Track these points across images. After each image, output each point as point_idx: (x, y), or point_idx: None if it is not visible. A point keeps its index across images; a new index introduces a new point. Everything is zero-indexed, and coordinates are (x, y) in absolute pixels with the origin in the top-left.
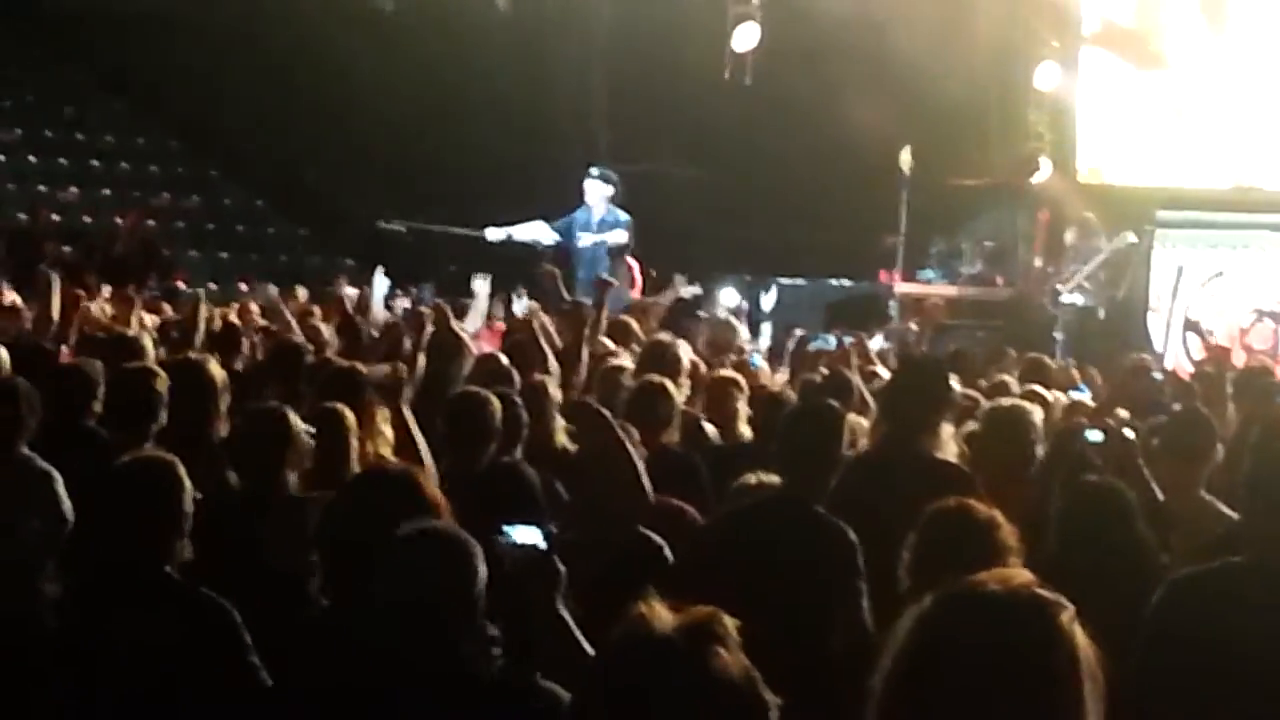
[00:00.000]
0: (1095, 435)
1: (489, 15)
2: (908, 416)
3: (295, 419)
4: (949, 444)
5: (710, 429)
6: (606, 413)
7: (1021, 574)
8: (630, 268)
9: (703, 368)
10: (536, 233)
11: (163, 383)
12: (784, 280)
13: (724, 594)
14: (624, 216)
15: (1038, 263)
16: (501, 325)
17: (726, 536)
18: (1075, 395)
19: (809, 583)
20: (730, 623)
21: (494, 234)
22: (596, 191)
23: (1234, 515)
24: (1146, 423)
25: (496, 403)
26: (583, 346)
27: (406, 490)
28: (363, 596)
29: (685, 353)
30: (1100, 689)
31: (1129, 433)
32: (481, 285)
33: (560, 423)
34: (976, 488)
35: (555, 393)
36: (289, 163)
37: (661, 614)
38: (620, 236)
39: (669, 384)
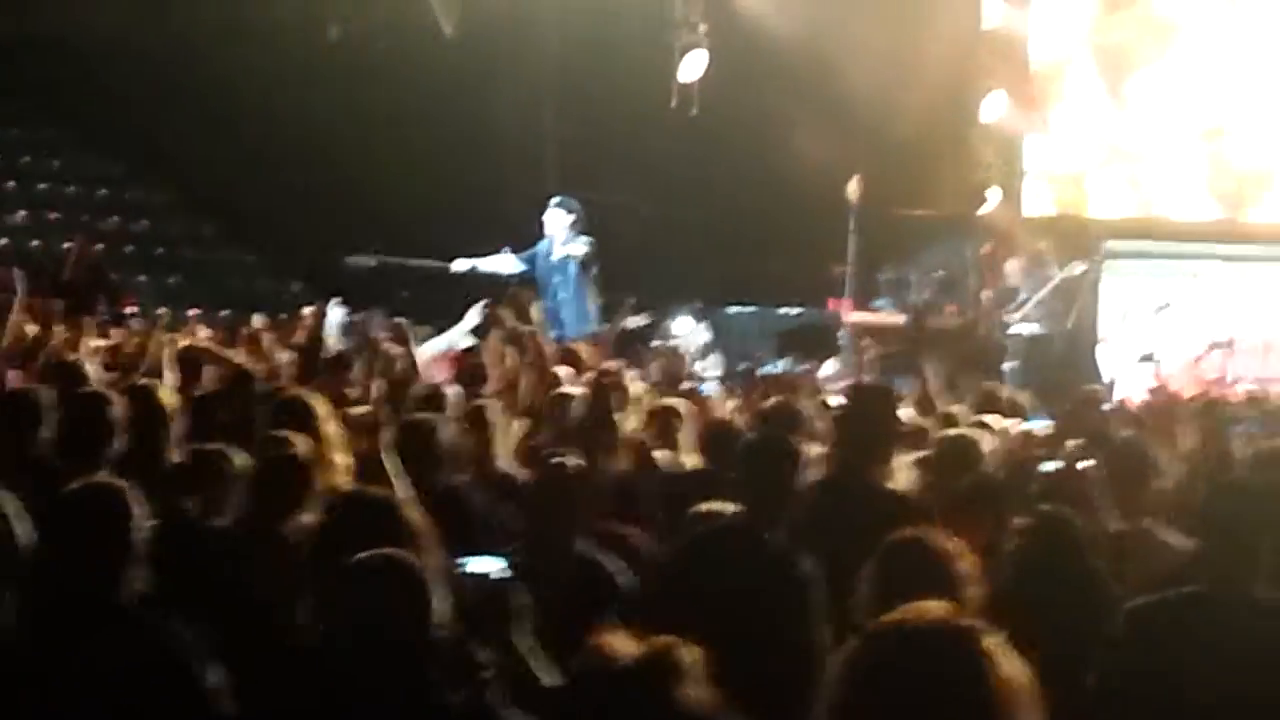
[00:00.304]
0: (1049, 466)
1: (436, 43)
2: (858, 446)
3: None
4: (900, 473)
5: (660, 456)
6: None
7: (944, 606)
8: None
9: (652, 396)
10: (502, 264)
11: (117, 408)
12: (734, 309)
13: (681, 623)
14: (585, 239)
15: (986, 293)
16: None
17: (682, 565)
18: (1036, 425)
19: (764, 612)
20: (691, 652)
21: (459, 265)
22: (558, 221)
23: (1180, 543)
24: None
25: (444, 428)
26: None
27: (392, 517)
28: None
29: (633, 381)
30: (1036, 713)
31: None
32: (474, 313)
33: (505, 447)
34: (928, 518)
35: (500, 418)
36: (237, 188)
37: (622, 644)
38: (579, 247)
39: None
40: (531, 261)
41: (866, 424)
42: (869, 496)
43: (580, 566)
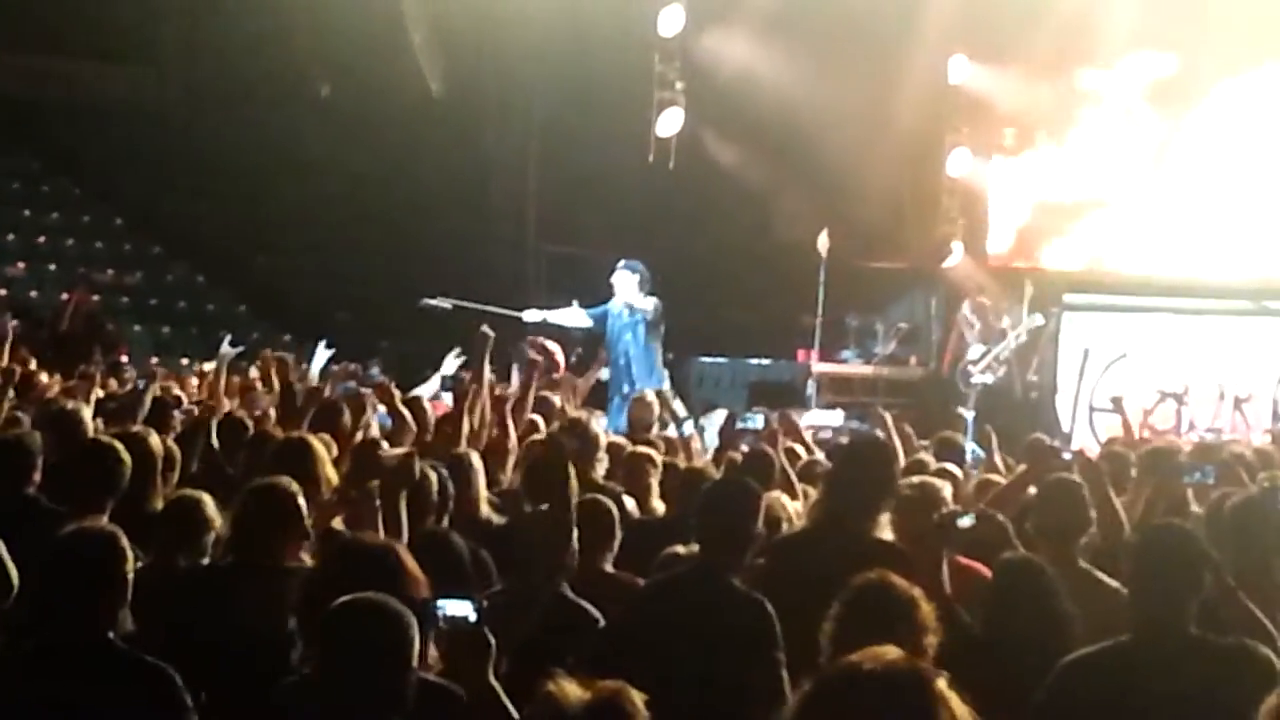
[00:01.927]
0: (965, 520)
1: (423, 100)
2: (849, 498)
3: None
4: (886, 528)
5: (630, 502)
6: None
7: (894, 650)
8: (552, 352)
9: (622, 444)
10: (572, 318)
11: (126, 458)
12: (706, 359)
13: (645, 665)
14: (653, 300)
15: (950, 344)
16: (440, 403)
17: (646, 608)
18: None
19: (725, 654)
20: (637, 698)
21: (532, 315)
22: (625, 282)
23: (1114, 585)
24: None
25: (433, 475)
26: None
27: (389, 564)
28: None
29: (601, 429)
30: None
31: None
32: (450, 363)
33: (485, 494)
34: (912, 569)
35: (480, 465)
36: (230, 240)
37: (571, 692)
38: (647, 305)
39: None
40: (600, 319)
41: (860, 478)
42: (856, 545)
43: (561, 610)
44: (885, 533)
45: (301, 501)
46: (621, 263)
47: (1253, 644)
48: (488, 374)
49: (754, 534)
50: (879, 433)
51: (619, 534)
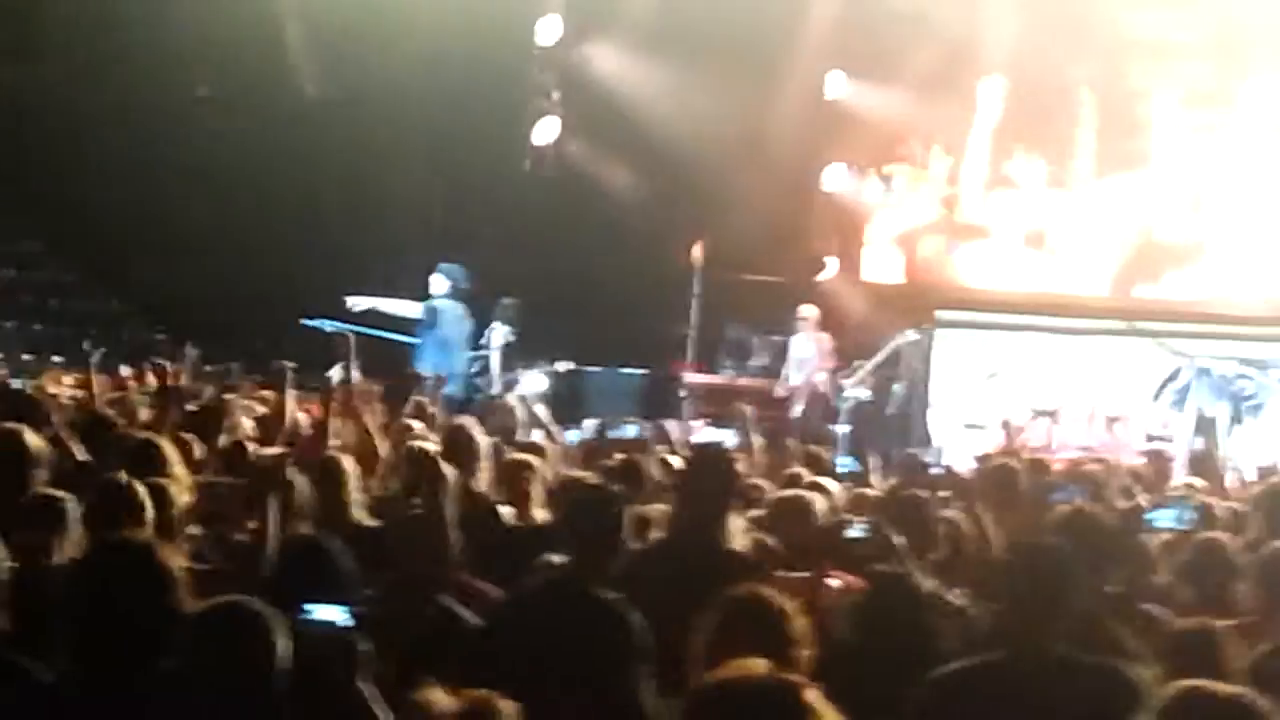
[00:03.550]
0: (856, 531)
1: (301, 102)
2: (699, 506)
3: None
4: (739, 534)
5: (505, 511)
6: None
7: (762, 664)
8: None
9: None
10: (402, 308)
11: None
12: (579, 368)
13: (513, 674)
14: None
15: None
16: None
17: (514, 617)
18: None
19: (591, 663)
20: (507, 706)
21: (358, 303)
22: (438, 285)
23: (959, 605)
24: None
25: (302, 478)
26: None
27: (145, 562)
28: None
29: (482, 437)
30: None
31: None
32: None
33: (357, 498)
34: (766, 577)
35: (353, 469)
36: (105, 239)
37: (440, 700)
38: (459, 309)
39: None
40: (431, 315)
41: (706, 486)
42: (709, 555)
43: (438, 617)
44: (739, 540)
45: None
46: (440, 265)
47: (1121, 664)
48: (343, 377)
49: (618, 543)
50: (734, 438)
51: (496, 541)
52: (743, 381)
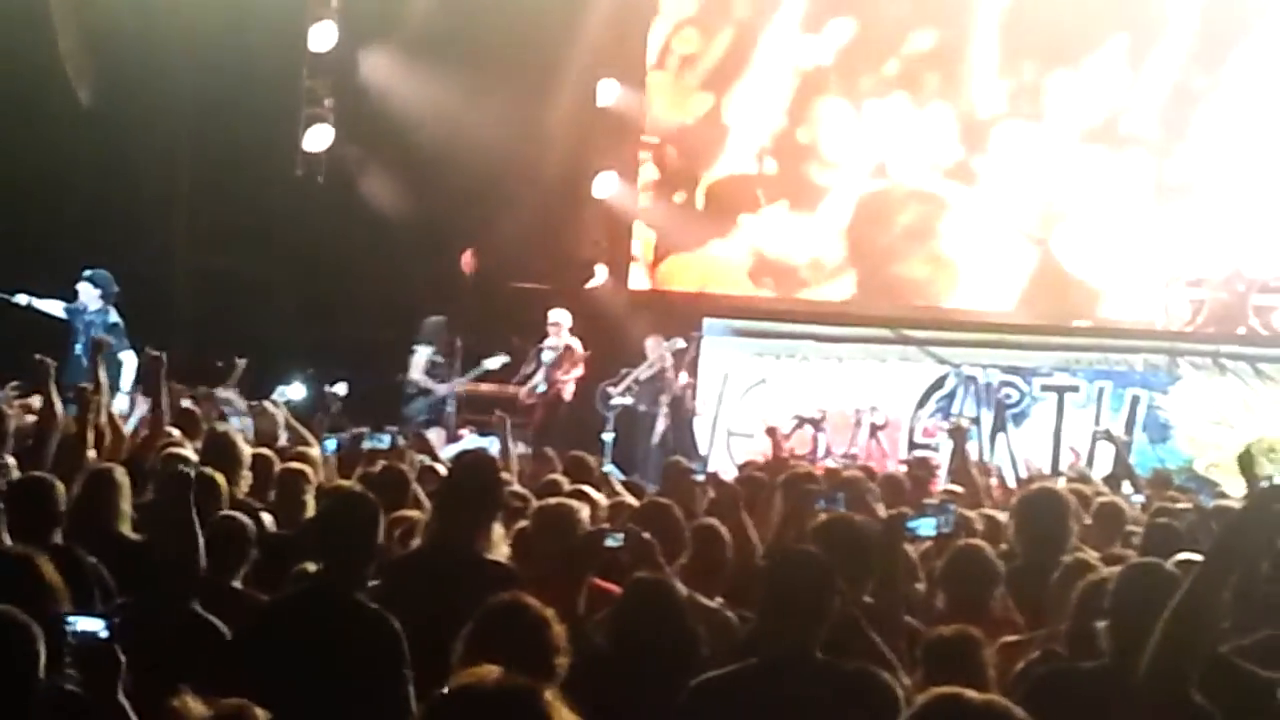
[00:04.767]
0: (614, 540)
1: (73, 108)
2: (459, 515)
3: None
4: (500, 544)
5: (267, 518)
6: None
7: (496, 669)
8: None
9: (271, 459)
10: (53, 308)
11: None
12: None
13: (268, 682)
14: (114, 319)
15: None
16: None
17: (268, 625)
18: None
19: (350, 669)
20: (260, 715)
21: (21, 299)
22: (87, 293)
23: (714, 606)
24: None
25: (60, 487)
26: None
27: (27, 572)
28: None
29: (244, 444)
30: None
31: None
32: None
33: (126, 509)
34: (523, 586)
35: (124, 480)
36: None
37: (195, 709)
38: (108, 314)
39: (219, 476)
40: (72, 314)
41: (468, 494)
42: (467, 564)
43: (193, 626)
44: (500, 549)
45: None
46: (87, 272)
47: (875, 670)
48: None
49: (374, 549)
50: (494, 444)
51: (253, 551)
52: (510, 389)
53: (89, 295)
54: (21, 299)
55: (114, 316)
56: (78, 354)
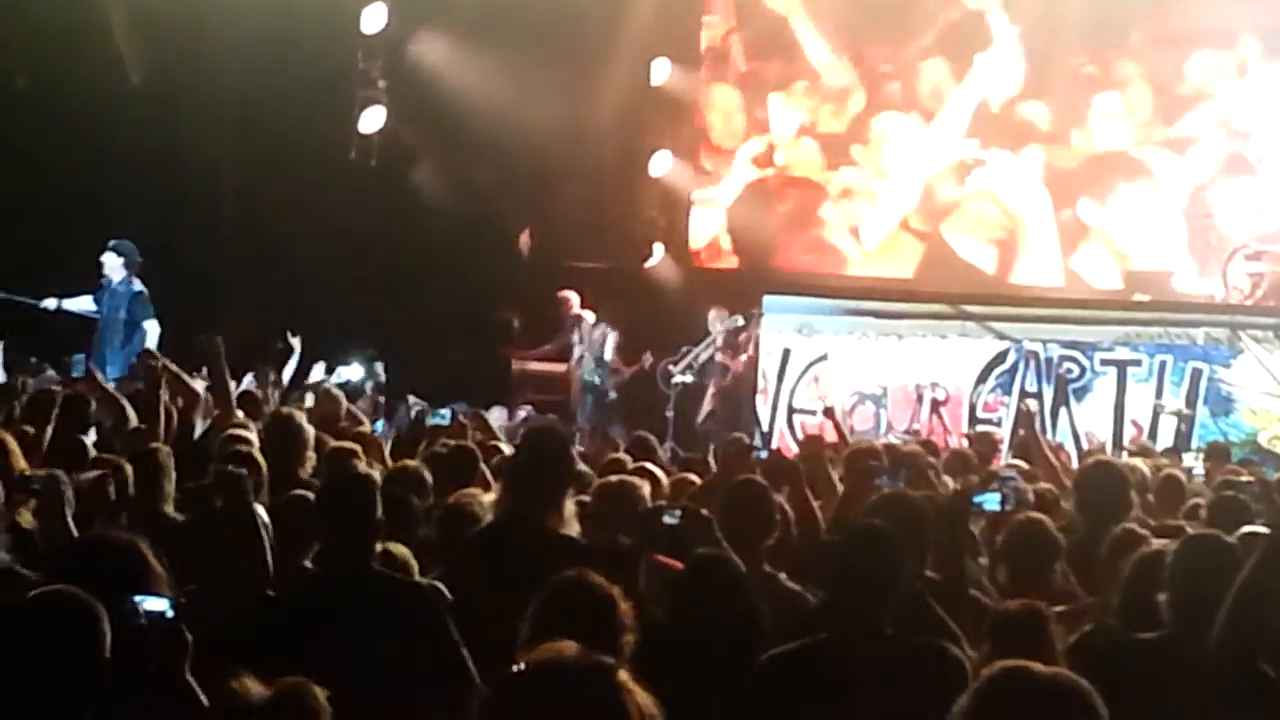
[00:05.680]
0: (671, 517)
1: (124, 90)
2: (530, 490)
3: None
4: (571, 520)
5: None
6: None
7: (573, 645)
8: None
9: (326, 440)
10: (83, 305)
11: None
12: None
13: (311, 661)
14: (138, 287)
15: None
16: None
17: (307, 604)
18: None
19: (395, 642)
20: (319, 693)
21: (49, 304)
22: (111, 263)
23: (795, 589)
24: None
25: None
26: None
27: (136, 560)
28: None
29: (307, 425)
30: None
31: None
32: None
33: (170, 491)
34: (596, 563)
35: (168, 463)
36: None
37: (253, 688)
38: (134, 284)
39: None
40: (100, 301)
41: (538, 469)
42: (538, 540)
43: (252, 607)
44: (572, 526)
45: None
46: (111, 243)
47: (945, 644)
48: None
49: (377, 526)
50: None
51: None
52: (565, 368)
53: (113, 265)
54: (50, 303)
55: (138, 285)
56: (113, 328)
